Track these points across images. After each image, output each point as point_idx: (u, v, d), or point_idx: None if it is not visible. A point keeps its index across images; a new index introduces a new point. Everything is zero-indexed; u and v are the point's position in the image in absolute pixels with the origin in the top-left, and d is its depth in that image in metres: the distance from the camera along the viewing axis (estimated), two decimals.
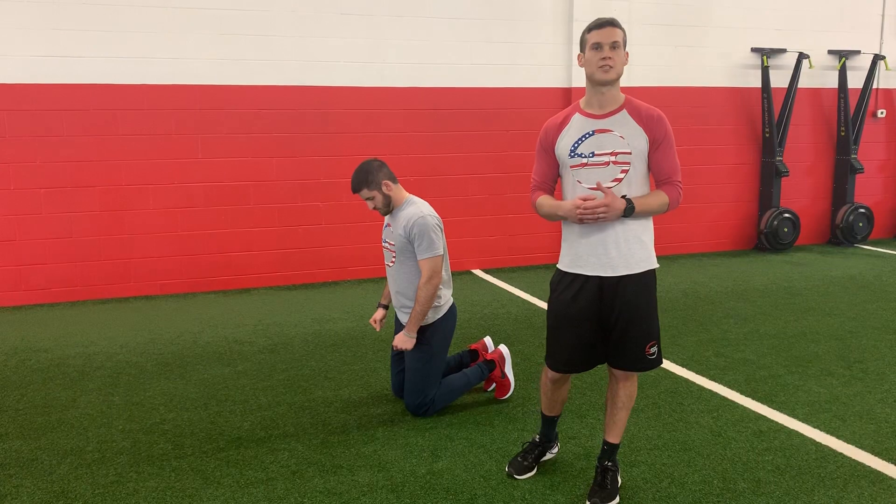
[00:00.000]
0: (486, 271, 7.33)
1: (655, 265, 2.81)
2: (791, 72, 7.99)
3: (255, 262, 6.75)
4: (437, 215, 3.71)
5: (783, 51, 7.98)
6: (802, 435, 3.45)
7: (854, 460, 3.19)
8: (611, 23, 2.66)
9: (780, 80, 8.00)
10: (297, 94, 6.62)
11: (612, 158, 2.68)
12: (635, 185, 2.71)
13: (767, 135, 8.04)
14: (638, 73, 7.56)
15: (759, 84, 8.02)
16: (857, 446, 3.32)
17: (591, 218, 2.65)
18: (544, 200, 2.85)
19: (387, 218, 3.82)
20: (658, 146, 2.71)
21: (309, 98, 6.66)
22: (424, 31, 6.90)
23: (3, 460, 3.32)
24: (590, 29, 2.69)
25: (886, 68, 8.49)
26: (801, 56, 7.93)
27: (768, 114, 7.94)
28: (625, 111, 2.72)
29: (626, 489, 2.97)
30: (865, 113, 8.38)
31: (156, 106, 6.28)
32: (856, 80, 8.35)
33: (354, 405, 3.92)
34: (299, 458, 3.29)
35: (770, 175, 8.11)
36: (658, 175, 2.76)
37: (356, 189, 3.68)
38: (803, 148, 8.41)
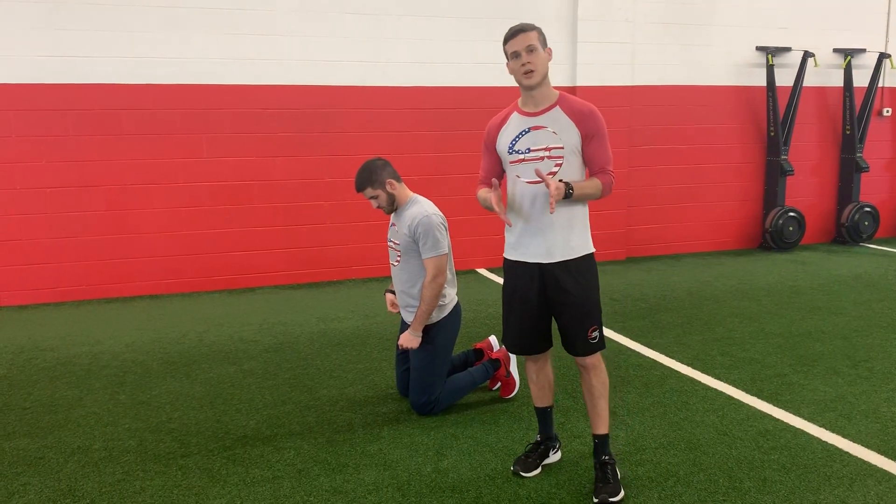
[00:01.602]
0: (491, 270, 7.33)
1: (592, 250, 2.94)
2: (796, 70, 7.97)
3: (259, 261, 6.76)
4: (441, 214, 3.71)
5: (788, 49, 7.96)
6: (808, 434, 3.45)
7: (860, 459, 3.19)
8: (522, 29, 2.86)
9: (785, 78, 7.99)
10: (302, 93, 6.63)
11: (547, 153, 2.83)
12: (569, 176, 2.85)
13: (772, 133, 8.02)
14: (642, 71, 7.55)
15: (763, 83, 7.99)
16: (863, 445, 3.32)
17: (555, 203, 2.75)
18: (481, 193, 3.02)
19: (392, 217, 3.83)
20: (590, 139, 2.83)
21: (313, 97, 6.66)
22: (429, 30, 6.90)
23: (10, 458, 3.33)
24: (506, 40, 2.89)
25: (892, 66, 8.47)
26: (807, 54, 7.92)
27: (773, 112, 7.93)
28: (558, 108, 2.85)
29: (631, 488, 2.97)
30: (871, 111, 8.36)
31: (160, 106, 6.30)
32: (861, 79, 8.32)
33: (360, 404, 3.92)
34: (305, 457, 3.30)
35: (775, 174, 8.10)
36: (592, 166, 2.89)
37: (360, 188, 3.69)
38: (808, 147, 8.39)
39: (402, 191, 3.74)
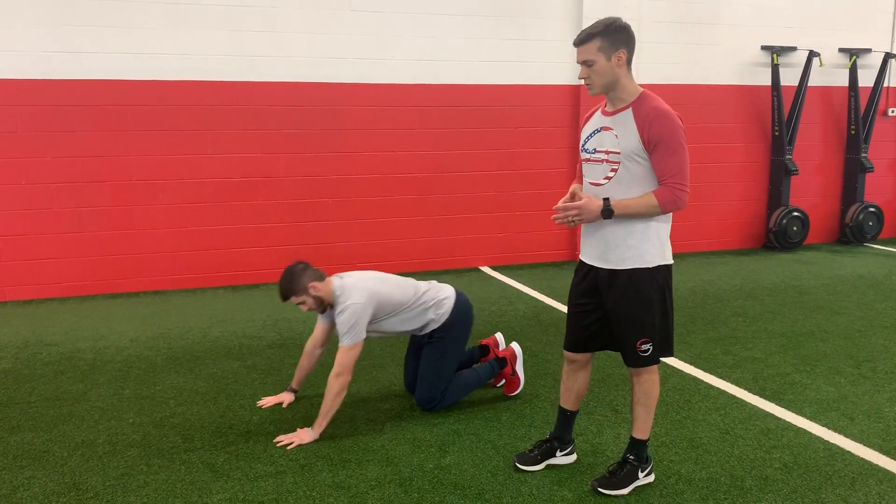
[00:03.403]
0: (494, 268, 7.33)
1: (648, 264, 2.78)
2: (801, 70, 7.95)
3: (263, 257, 6.78)
4: (362, 296, 3.49)
5: (793, 49, 7.95)
6: (810, 433, 3.45)
7: (862, 459, 3.19)
8: (581, 41, 2.72)
9: (790, 78, 7.97)
10: (307, 90, 6.64)
11: (606, 157, 2.77)
12: (626, 184, 2.74)
13: (777, 133, 8.01)
14: (647, 70, 7.53)
15: (768, 82, 7.98)
16: (865, 445, 3.32)
17: (563, 221, 2.78)
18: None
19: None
20: (654, 147, 2.67)
21: (318, 94, 6.67)
22: (434, 28, 6.90)
23: (15, 452, 3.35)
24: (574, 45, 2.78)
25: None
26: (812, 54, 7.90)
27: (778, 112, 7.91)
28: (630, 110, 2.73)
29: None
30: (876, 111, 8.34)
31: (166, 102, 6.32)
32: (866, 79, 8.30)
33: (362, 400, 3.94)
34: (308, 452, 3.31)
35: (779, 173, 8.08)
36: (657, 176, 2.72)
37: (284, 298, 3.58)
38: (813, 146, 8.38)
39: (326, 288, 3.57)
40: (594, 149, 2.81)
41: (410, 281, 3.79)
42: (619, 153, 2.72)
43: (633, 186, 2.73)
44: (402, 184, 7.04)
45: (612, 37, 2.68)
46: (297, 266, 3.61)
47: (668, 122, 2.66)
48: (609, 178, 2.76)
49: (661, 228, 2.80)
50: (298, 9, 6.51)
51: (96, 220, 6.31)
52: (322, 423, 3.44)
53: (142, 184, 6.36)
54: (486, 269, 7.34)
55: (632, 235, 2.77)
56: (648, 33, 7.51)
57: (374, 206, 6.99)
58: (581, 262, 2.99)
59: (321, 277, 3.60)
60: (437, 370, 3.71)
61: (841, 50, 8.23)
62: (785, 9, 7.98)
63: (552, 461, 3.16)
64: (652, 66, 7.55)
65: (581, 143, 2.91)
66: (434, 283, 3.87)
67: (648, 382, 2.93)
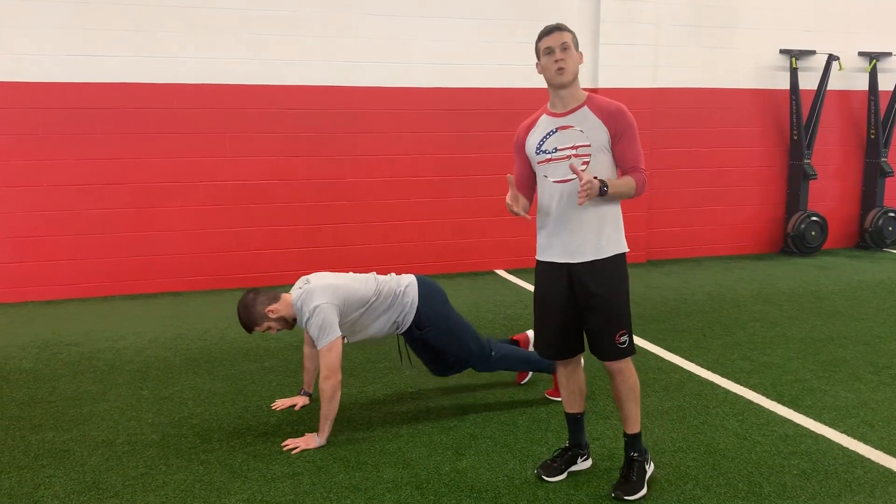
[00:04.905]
0: (510, 272, 7.33)
1: (623, 250, 2.93)
2: (820, 74, 7.90)
3: (281, 259, 6.81)
4: (323, 295, 3.44)
5: (812, 52, 7.89)
6: (829, 440, 3.42)
7: (882, 466, 3.16)
8: (558, 28, 2.89)
9: (808, 82, 7.92)
10: (324, 93, 6.68)
11: (574, 152, 2.84)
12: (598, 175, 2.81)
13: (795, 137, 7.96)
14: (665, 74, 7.52)
15: (787, 86, 7.93)
16: (885, 452, 3.29)
17: (584, 196, 2.69)
18: (507, 196, 2.93)
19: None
20: (620, 138, 2.84)
21: (335, 98, 6.71)
22: (450, 32, 6.92)
23: (36, 451, 3.39)
24: (540, 37, 2.90)
25: None
26: (831, 58, 7.84)
27: (796, 116, 7.86)
28: (586, 107, 2.87)
29: (650, 491, 2.96)
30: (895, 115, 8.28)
31: (185, 105, 6.37)
32: (887, 83, 8.23)
33: (379, 402, 3.95)
34: (325, 454, 3.33)
35: (798, 178, 8.03)
36: (623, 164, 2.87)
37: (249, 330, 3.56)
38: (832, 151, 8.32)
39: (284, 305, 3.53)
40: (554, 148, 2.86)
41: (368, 274, 3.76)
42: (589, 146, 2.82)
43: (602, 176, 2.82)
44: (418, 187, 7.06)
45: (576, 37, 2.92)
46: (248, 296, 3.54)
47: (627, 115, 2.85)
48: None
49: (621, 216, 2.95)
50: (316, 13, 6.55)
51: (116, 222, 6.37)
52: (325, 427, 3.41)
53: (161, 186, 6.42)
54: (501, 272, 7.34)
55: (609, 223, 2.88)
56: (666, 37, 7.49)
57: (390, 208, 7.01)
58: (548, 263, 2.96)
59: (276, 298, 3.55)
60: (457, 343, 3.65)
61: (861, 53, 8.17)
62: (804, 12, 7.93)
63: (573, 468, 3.16)
64: (670, 69, 7.53)
65: (533, 147, 2.92)
66: (393, 274, 3.81)
67: (632, 377, 2.98)
